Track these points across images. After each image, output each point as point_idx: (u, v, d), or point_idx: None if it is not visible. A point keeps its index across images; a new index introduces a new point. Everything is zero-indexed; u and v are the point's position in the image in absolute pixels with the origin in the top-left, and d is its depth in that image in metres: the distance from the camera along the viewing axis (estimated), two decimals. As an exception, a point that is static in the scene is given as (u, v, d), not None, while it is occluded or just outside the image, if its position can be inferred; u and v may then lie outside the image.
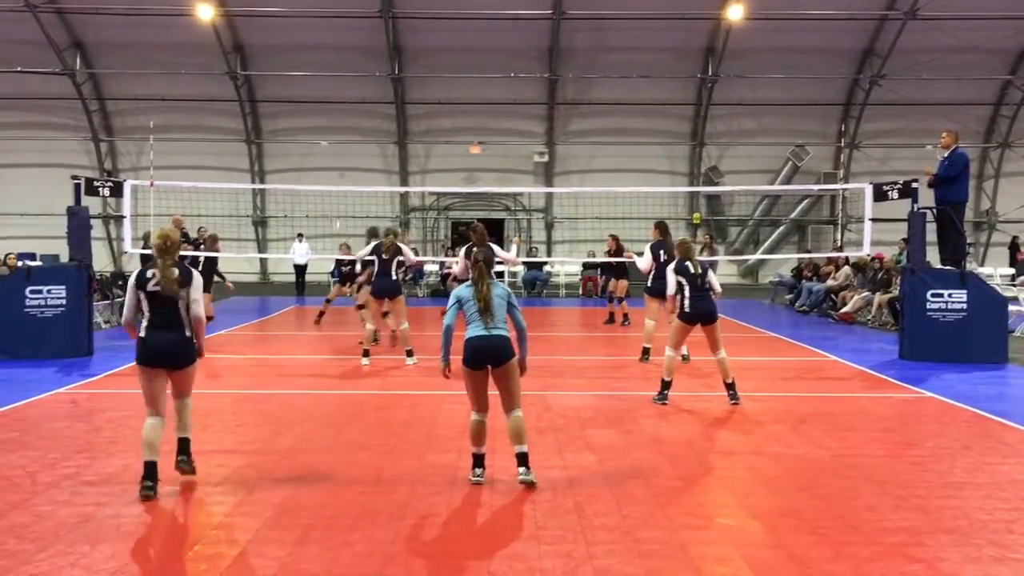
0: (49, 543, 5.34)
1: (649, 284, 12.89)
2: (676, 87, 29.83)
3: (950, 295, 12.88)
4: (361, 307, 14.84)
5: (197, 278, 6.66)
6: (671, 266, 9.95)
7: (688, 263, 9.76)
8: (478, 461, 6.73)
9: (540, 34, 28.22)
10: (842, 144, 30.23)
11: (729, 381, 9.69)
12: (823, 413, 9.28)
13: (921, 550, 5.30)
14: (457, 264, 13.90)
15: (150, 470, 6.30)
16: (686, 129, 30.86)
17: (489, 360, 6.62)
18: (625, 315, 18.20)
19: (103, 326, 16.62)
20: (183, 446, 6.67)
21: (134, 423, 8.56)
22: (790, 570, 5.01)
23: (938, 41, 26.53)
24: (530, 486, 6.48)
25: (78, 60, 28.94)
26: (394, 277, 12.63)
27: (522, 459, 6.61)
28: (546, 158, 30.20)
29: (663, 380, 9.74)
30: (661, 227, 13.18)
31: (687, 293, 9.67)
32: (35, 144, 29.79)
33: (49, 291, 12.96)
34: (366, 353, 12.72)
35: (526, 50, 28.65)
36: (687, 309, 9.69)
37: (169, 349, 6.48)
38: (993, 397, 10.23)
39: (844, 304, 19.35)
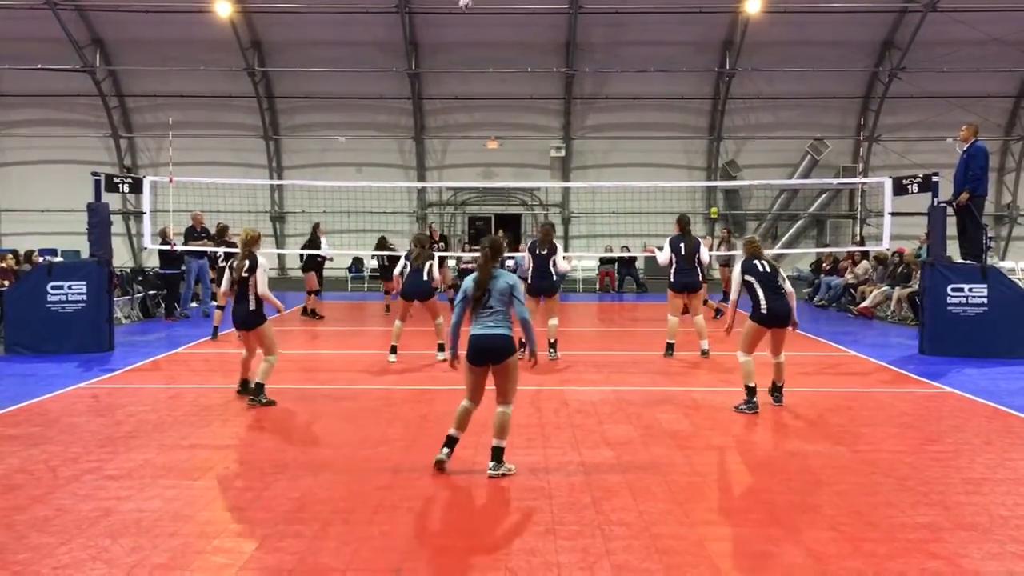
0: (71, 537, 5.39)
1: (672, 279, 12.88)
2: (693, 81, 29.68)
3: (971, 289, 12.77)
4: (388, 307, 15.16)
5: (261, 261, 9.25)
6: (736, 267, 9.27)
7: (757, 262, 9.10)
8: (449, 442, 6.83)
9: (557, 28, 28.15)
10: (861, 138, 29.99)
11: (780, 384, 9.26)
12: (842, 408, 9.24)
13: (941, 546, 5.27)
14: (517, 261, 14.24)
15: None
16: (704, 123, 30.71)
17: (489, 358, 6.73)
18: (717, 310, 17.81)
19: (123, 321, 16.74)
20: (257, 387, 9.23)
21: (154, 418, 8.65)
22: (808, 566, 4.99)
23: (958, 33, 26.27)
24: (496, 478, 6.60)
25: (98, 57, 29.11)
26: (425, 278, 12.19)
27: (495, 453, 6.71)
28: (563, 153, 30.14)
29: (747, 387, 8.96)
30: (681, 222, 13.17)
31: (761, 294, 8.89)
32: (55, 141, 30.01)
33: (70, 287, 13.07)
34: (393, 349, 12.41)
35: (543, 45, 28.59)
36: (763, 311, 8.89)
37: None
38: (1015, 392, 10.15)
39: (863, 299, 19.23)
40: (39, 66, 27.92)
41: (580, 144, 30.56)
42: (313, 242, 18.68)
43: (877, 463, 7.09)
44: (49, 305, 13.01)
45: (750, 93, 29.63)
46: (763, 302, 8.91)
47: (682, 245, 12.78)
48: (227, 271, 9.68)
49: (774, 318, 8.92)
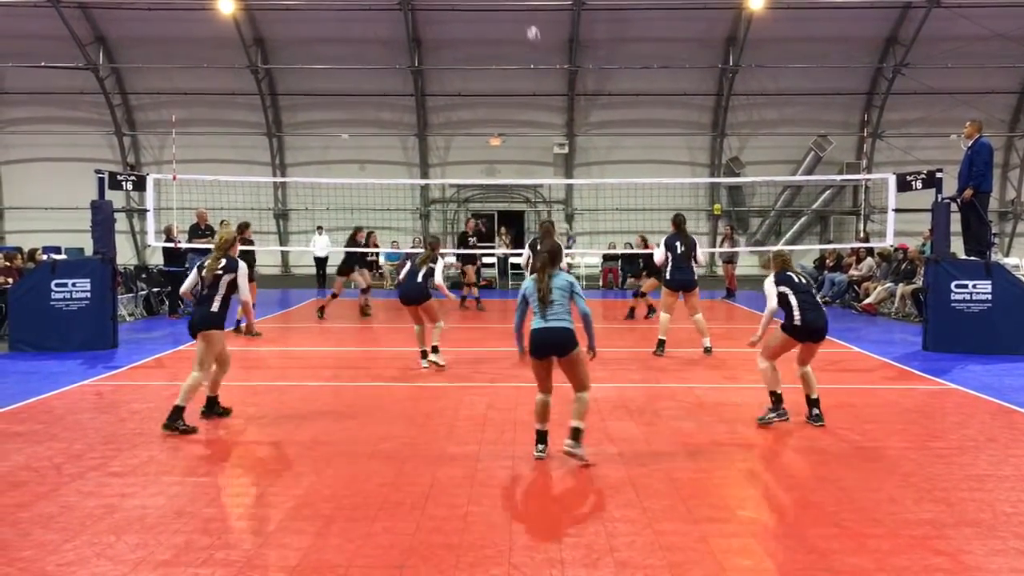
0: (75, 533, 5.40)
1: (667, 277, 12.88)
2: (697, 77, 29.66)
3: (975, 286, 12.75)
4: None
5: (242, 266, 8.53)
6: (768, 279, 8.76)
7: (790, 273, 8.66)
8: (540, 437, 7.13)
9: (560, 25, 28.12)
10: (865, 134, 29.96)
11: (815, 397, 8.53)
12: (846, 405, 9.23)
13: (945, 543, 5.26)
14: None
15: None
16: (707, 120, 30.69)
17: (551, 351, 6.96)
18: (650, 307, 18.11)
19: (127, 319, 16.77)
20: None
21: (158, 415, 8.65)
22: (811, 563, 4.99)
23: (962, 29, 26.22)
24: (572, 456, 6.89)
25: (101, 55, 29.15)
26: (419, 280, 11.59)
27: (574, 432, 6.94)
28: (566, 150, 30.13)
29: (772, 394, 8.51)
30: (677, 220, 13.16)
31: (795, 303, 8.38)
32: (59, 138, 30.07)
33: (74, 284, 13.10)
34: (423, 354, 11.75)
35: (546, 41, 28.55)
36: (796, 322, 8.36)
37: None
38: (1019, 389, 10.13)
39: (867, 295, 19.21)
40: (42, 64, 27.98)
41: (583, 141, 30.55)
42: (355, 244, 18.57)
43: (881, 459, 7.09)
44: (53, 303, 13.03)
45: (754, 89, 29.61)
46: (796, 313, 8.38)
47: (678, 244, 12.79)
48: (195, 271, 8.69)
49: (809, 332, 8.40)
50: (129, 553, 5.09)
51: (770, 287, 8.62)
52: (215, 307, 8.35)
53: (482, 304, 20.09)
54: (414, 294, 11.62)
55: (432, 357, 11.64)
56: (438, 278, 11.76)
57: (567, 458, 7.04)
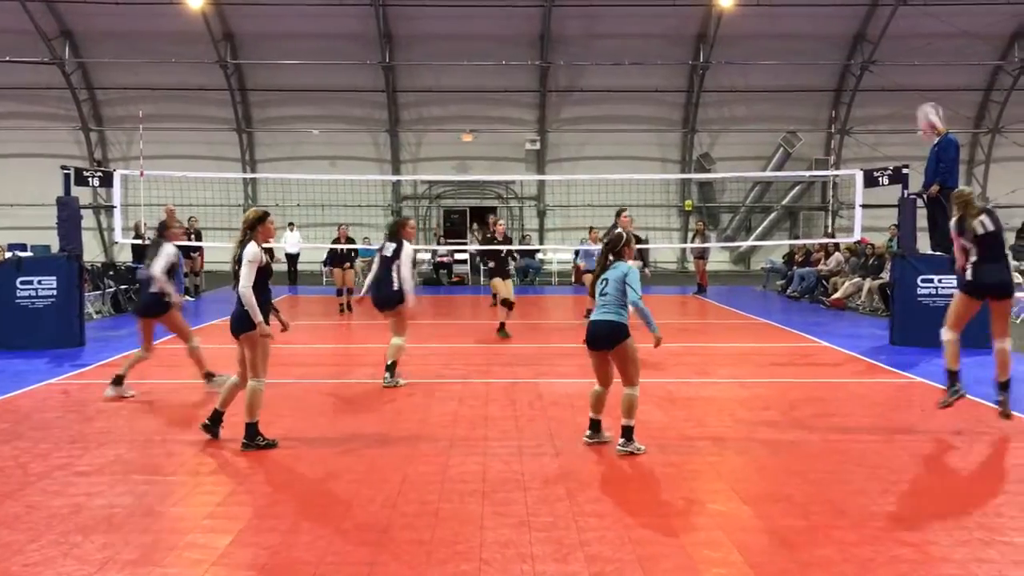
0: (41, 533, 5.34)
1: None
2: (668, 74, 29.79)
3: (940, 280, 12.91)
4: None
5: (246, 255, 7.19)
6: (951, 224, 7.79)
7: (973, 219, 7.66)
8: (592, 424, 7.33)
9: (531, 21, 28.14)
10: (833, 130, 30.25)
11: (1005, 380, 7.73)
12: (814, 399, 9.32)
13: (911, 534, 5.33)
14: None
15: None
16: (678, 116, 30.85)
17: (601, 343, 7.03)
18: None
19: (94, 316, 16.57)
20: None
21: (125, 413, 8.58)
22: (780, 554, 5.04)
23: (929, 26, 26.53)
24: (625, 456, 6.94)
25: (67, 49, 28.76)
26: (395, 286, 9.88)
27: (625, 431, 7.01)
28: (538, 146, 30.16)
29: (948, 371, 7.89)
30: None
31: (971, 256, 7.59)
32: (24, 134, 29.63)
33: (40, 282, 12.93)
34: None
35: (517, 37, 28.58)
36: (969, 277, 7.59)
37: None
38: (984, 382, 10.20)
39: (835, 290, 19.40)
40: (7, 58, 27.56)
41: (555, 137, 30.59)
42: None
43: (848, 452, 7.17)
44: (19, 300, 12.86)
45: (724, 86, 29.79)
46: (969, 268, 7.57)
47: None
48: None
49: (985, 286, 7.53)
50: (96, 553, 5.04)
51: (956, 238, 7.80)
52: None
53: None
54: (382, 297, 10.05)
55: (386, 382, 9.93)
56: (405, 272, 9.93)
57: (538, 454, 7.05)
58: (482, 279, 27.39)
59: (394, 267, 9.87)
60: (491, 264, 14.72)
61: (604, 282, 7.05)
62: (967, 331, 11.54)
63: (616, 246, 7.17)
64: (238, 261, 7.29)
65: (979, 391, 9.60)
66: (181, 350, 13.16)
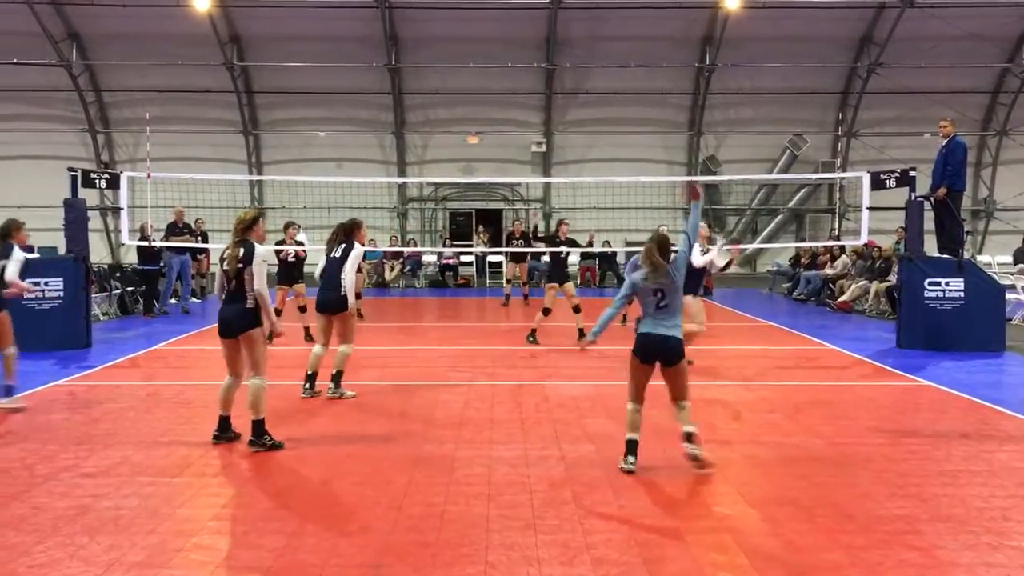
0: (47, 535, 5.35)
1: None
2: (674, 76, 29.75)
3: (947, 283, 12.88)
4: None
5: (257, 255, 7.28)
6: None
7: None
8: (631, 448, 6.67)
9: (537, 23, 28.13)
10: (840, 133, 30.18)
11: None
12: (820, 402, 9.29)
13: (918, 538, 5.31)
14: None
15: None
16: (684, 118, 30.80)
17: (659, 358, 6.63)
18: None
19: (101, 318, 16.61)
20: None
21: (131, 415, 8.59)
22: (786, 558, 5.02)
23: (936, 29, 26.45)
24: (694, 459, 6.56)
25: (74, 52, 28.83)
26: (342, 291, 9.34)
27: (688, 437, 6.62)
28: (544, 148, 30.13)
29: None
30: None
31: None
32: (32, 136, 29.67)
33: (47, 283, 12.95)
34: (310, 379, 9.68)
35: (523, 40, 28.56)
36: None
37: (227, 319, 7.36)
38: (990, 385, 10.24)
39: (842, 293, 19.35)
40: (15, 60, 27.63)
41: (561, 139, 30.57)
42: None
43: (855, 456, 7.14)
44: (25, 302, 12.81)
45: (730, 88, 29.74)
46: None
47: None
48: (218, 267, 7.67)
49: None
50: (102, 554, 5.04)
51: None
52: (250, 302, 7.32)
53: (528, 301, 20.02)
54: (327, 300, 9.48)
55: (332, 392, 9.53)
56: (349, 271, 9.37)
57: (545, 457, 7.04)
58: (488, 281, 27.39)
59: (342, 270, 9.38)
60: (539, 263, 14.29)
61: (662, 292, 6.55)
62: (972, 336, 11.43)
63: (667, 246, 6.66)
64: (242, 261, 7.34)
65: (985, 394, 9.58)
66: (188, 351, 13.26)
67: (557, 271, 14.01)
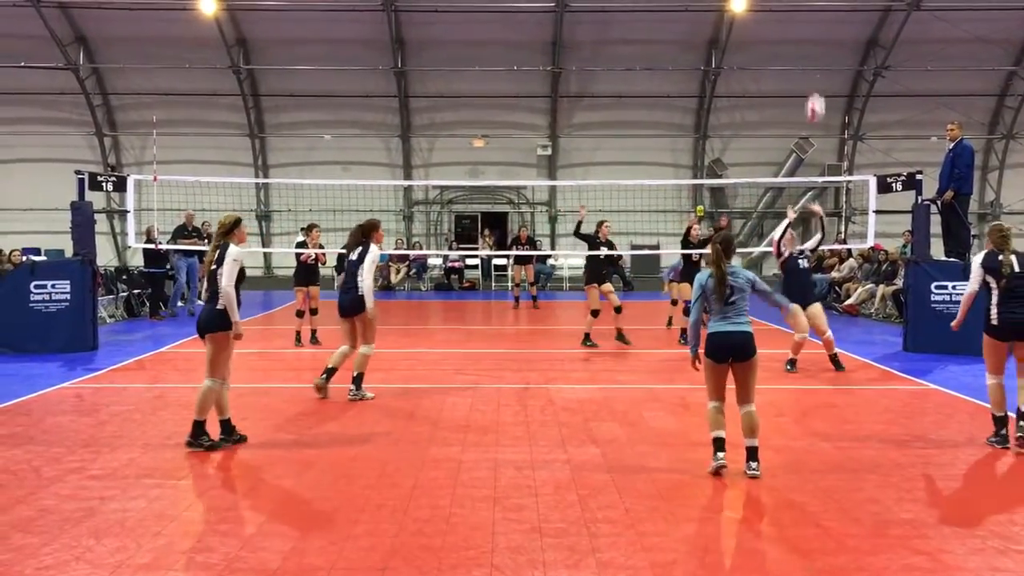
0: (54, 537, 5.36)
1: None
2: (679, 79, 29.73)
3: (954, 287, 12.83)
4: None
5: (229, 255, 7.40)
6: (977, 259, 7.72)
7: (1001, 257, 7.51)
8: (719, 444, 6.67)
9: (543, 27, 28.13)
10: (846, 136, 30.12)
11: None
12: (827, 405, 9.28)
13: (924, 542, 5.30)
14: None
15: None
16: (689, 121, 30.77)
17: (732, 354, 6.65)
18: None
19: (108, 320, 16.65)
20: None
21: (138, 417, 8.61)
22: (793, 563, 5.01)
23: (942, 32, 26.39)
24: (753, 478, 6.52)
25: (81, 55, 28.92)
26: (360, 291, 9.42)
27: (751, 453, 6.61)
28: (549, 151, 30.13)
29: (993, 417, 7.58)
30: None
31: (995, 299, 7.55)
32: (39, 139, 29.78)
33: (53, 286, 13.00)
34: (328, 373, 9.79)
35: (529, 43, 28.57)
36: (993, 320, 7.55)
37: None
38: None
39: (848, 296, 19.32)
40: (22, 64, 27.72)
41: (566, 142, 30.56)
42: None
43: (861, 460, 7.13)
44: (32, 304, 12.93)
45: (736, 91, 29.70)
46: (993, 309, 7.51)
47: None
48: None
49: (1008, 330, 7.42)
50: (109, 556, 5.05)
51: (975, 269, 7.73)
52: (220, 304, 7.38)
53: (537, 303, 20.10)
54: (345, 302, 9.61)
55: (352, 395, 9.56)
56: (367, 274, 9.43)
57: (550, 461, 7.04)
58: (494, 284, 27.39)
59: (359, 272, 9.45)
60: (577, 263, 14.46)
61: (730, 289, 6.65)
62: (979, 340, 11.29)
63: (731, 246, 6.81)
64: (216, 262, 7.50)
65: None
66: (195, 354, 13.26)
67: (596, 271, 13.92)
